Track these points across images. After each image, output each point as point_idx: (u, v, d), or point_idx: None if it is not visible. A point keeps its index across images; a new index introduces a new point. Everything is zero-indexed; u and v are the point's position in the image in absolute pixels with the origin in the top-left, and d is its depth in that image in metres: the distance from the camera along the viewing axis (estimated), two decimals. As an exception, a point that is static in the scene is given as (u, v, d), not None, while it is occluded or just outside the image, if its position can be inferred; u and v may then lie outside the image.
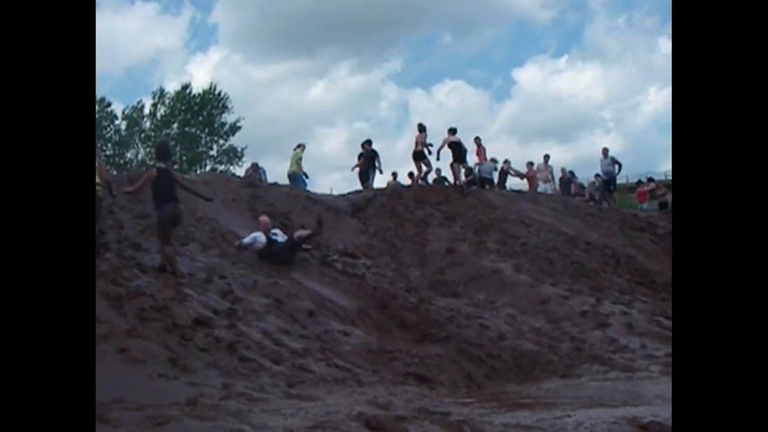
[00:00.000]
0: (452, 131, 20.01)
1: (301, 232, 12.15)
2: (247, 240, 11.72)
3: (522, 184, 24.76)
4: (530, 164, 23.92)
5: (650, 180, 25.69)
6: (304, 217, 14.79)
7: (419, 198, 17.61)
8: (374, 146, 20.91)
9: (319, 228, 12.00)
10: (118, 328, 6.82)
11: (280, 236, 11.98)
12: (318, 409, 5.34)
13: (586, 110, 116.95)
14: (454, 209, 16.99)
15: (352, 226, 15.68)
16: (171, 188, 9.35)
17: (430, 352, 8.73)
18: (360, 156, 21.09)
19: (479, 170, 21.47)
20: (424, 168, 20.99)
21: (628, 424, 5.35)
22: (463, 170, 20.45)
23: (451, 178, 21.20)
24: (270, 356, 7.41)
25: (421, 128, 20.67)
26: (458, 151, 19.81)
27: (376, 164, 20.97)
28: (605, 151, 22.98)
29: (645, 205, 23.39)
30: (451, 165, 20.08)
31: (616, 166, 22.76)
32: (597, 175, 23.67)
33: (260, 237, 11.73)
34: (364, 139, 21.37)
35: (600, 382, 7.83)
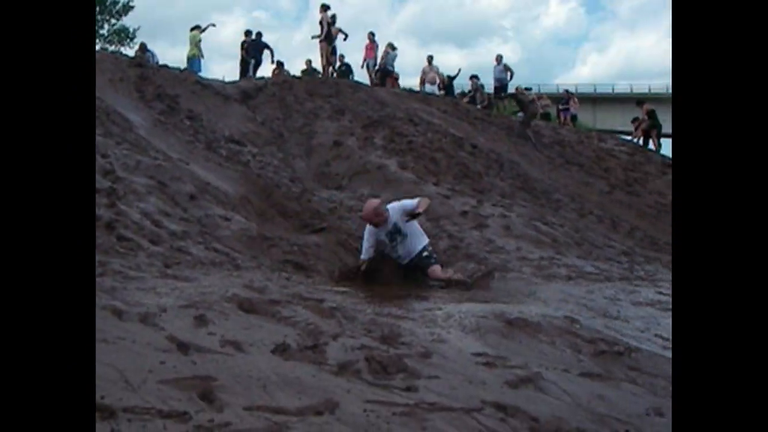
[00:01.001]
0: (324, 7, 19.79)
1: None
2: None
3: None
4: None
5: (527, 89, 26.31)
6: (192, 102, 14.46)
7: (310, 90, 17.44)
8: (270, 37, 20.58)
9: None
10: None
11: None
12: (193, 289, 5.36)
13: (487, 17, 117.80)
14: (345, 103, 16.93)
15: (240, 114, 15.44)
16: None
17: (309, 241, 8.81)
18: (243, 44, 20.74)
19: (384, 62, 21.52)
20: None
21: (496, 318, 5.60)
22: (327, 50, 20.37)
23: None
24: (148, 237, 7.32)
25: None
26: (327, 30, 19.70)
27: (262, 55, 20.66)
28: (499, 58, 23.27)
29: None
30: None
31: (508, 74, 23.10)
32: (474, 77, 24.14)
33: None
34: (253, 30, 21.02)
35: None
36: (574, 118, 25.87)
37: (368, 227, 7.79)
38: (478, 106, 22.45)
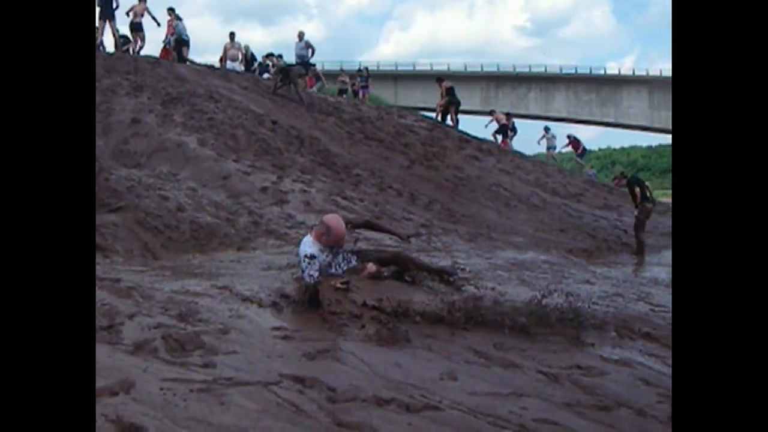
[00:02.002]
0: None
1: None
2: None
3: None
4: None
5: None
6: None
7: (108, 67, 16.76)
8: None
9: None
10: None
11: None
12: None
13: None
14: (143, 80, 16.42)
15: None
16: None
17: (106, 220, 8.57)
18: None
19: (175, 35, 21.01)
20: (140, 42, 20.27)
21: (295, 293, 5.82)
22: (111, 29, 19.79)
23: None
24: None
25: None
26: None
27: None
28: (300, 34, 23.31)
29: (314, 88, 24.38)
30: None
31: (310, 50, 23.21)
32: (277, 56, 24.14)
33: None
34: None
35: (274, 256, 8.15)
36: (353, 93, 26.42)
37: (318, 246, 6.03)
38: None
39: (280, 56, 23.18)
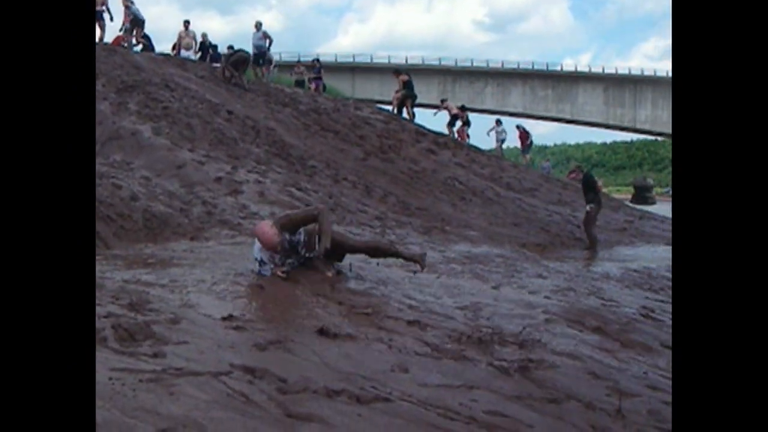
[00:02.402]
0: None
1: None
2: None
3: None
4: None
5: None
6: None
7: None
8: None
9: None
10: None
11: None
12: None
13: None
14: (99, 67, 16.14)
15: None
16: None
17: (56, 209, 8.46)
18: None
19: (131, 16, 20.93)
20: (99, 32, 20.21)
21: (247, 283, 5.83)
22: None
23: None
24: None
25: None
26: None
27: None
28: (258, 25, 23.12)
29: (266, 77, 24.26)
30: None
31: (267, 41, 23.05)
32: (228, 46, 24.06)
33: None
34: None
35: (228, 246, 8.13)
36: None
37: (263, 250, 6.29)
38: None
39: (231, 47, 23.02)
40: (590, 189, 13.46)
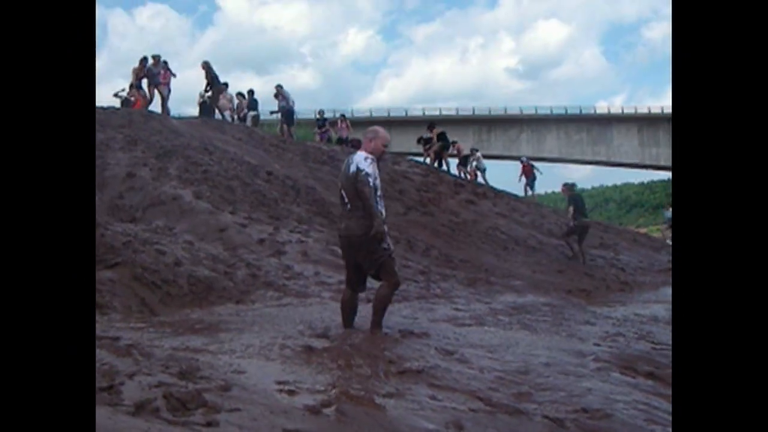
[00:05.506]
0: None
1: None
2: None
3: None
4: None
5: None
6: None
7: (101, 121, 16.84)
8: None
9: None
10: None
11: None
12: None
13: (287, 44, 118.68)
14: (137, 133, 16.51)
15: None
16: None
17: (103, 277, 8.52)
18: None
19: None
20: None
21: (297, 345, 5.78)
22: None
23: None
24: None
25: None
26: None
27: None
28: (278, 88, 23.91)
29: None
30: None
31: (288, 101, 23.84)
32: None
33: None
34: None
35: (274, 308, 8.13)
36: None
37: (374, 165, 6.49)
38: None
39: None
40: (577, 209, 15.66)
